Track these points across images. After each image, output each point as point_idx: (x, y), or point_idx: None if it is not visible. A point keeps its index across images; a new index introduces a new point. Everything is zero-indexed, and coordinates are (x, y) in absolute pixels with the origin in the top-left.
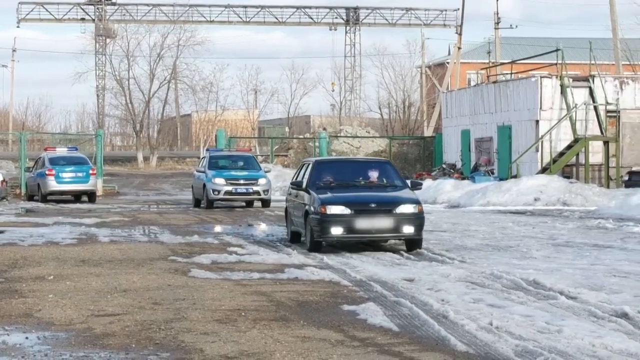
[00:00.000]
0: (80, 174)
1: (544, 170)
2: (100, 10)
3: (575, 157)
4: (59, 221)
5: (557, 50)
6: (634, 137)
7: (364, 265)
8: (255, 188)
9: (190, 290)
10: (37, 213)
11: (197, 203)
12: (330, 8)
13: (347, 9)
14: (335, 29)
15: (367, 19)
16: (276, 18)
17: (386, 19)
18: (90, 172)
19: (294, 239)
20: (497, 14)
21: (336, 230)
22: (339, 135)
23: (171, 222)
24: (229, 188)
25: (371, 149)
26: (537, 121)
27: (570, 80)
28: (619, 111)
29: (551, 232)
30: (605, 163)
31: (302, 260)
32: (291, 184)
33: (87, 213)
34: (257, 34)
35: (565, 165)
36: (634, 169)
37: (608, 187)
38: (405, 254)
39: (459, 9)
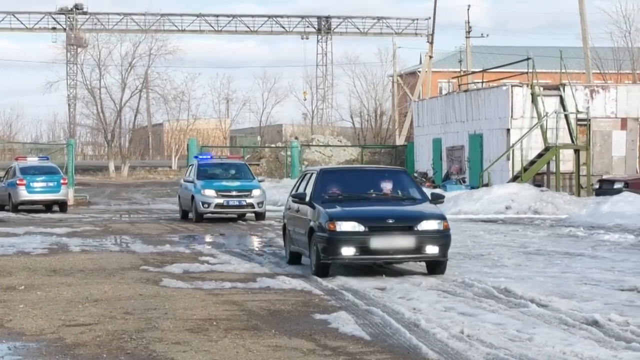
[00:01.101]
0: (51, 184)
1: (515, 178)
2: (72, 19)
3: (546, 165)
4: (30, 231)
5: (528, 59)
6: (604, 145)
7: (336, 274)
8: (248, 200)
9: (161, 300)
10: (8, 223)
11: (184, 215)
12: (302, 17)
13: (318, 18)
14: (307, 38)
15: (339, 28)
16: (248, 27)
17: (358, 28)
18: (62, 181)
19: (294, 260)
20: (469, 22)
21: (347, 251)
22: (311, 144)
23: (143, 232)
24: (220, 200)
25: (343, 158)
26: (508, 130)
27: (541, 88)
28: (589, 119)
29: (522, 240)
30: (576, 171)
31: (273, 270)
32: (292, 196)
33: (58, 223)
34: (229, 43)
35: (536, 173)
36: (604, 177)
37: (579, 195)
38: (383, 265)
39: (430, 18)
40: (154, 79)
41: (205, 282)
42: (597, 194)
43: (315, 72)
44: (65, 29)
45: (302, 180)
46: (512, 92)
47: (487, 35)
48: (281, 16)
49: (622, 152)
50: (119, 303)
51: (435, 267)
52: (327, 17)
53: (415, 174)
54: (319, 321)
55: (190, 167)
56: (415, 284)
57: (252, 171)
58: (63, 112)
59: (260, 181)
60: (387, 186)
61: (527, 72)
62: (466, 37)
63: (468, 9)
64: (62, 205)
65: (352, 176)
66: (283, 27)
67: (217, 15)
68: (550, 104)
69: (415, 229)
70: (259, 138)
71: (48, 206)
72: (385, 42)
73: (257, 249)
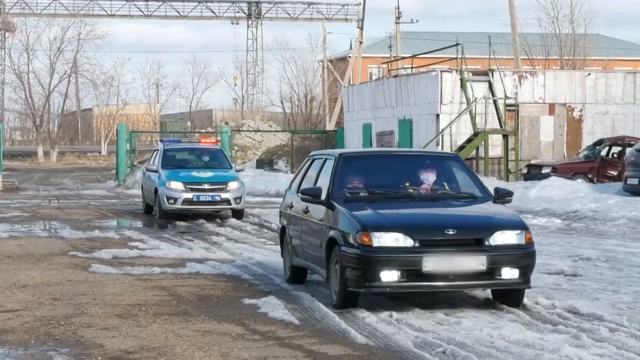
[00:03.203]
0: None
1: None
2: (0, 3)
3: (475, 150)
4: None
5: (457, 44)
6: (532, 130)
7: (266, 259)
8: (224, 195)
9: (90, 286)
10: None
11: (148, 209)
12: (232, 2)
13: (249, 3)
14: (237, 23)
15: (269, 13)
16: (178, 12)
17: (288, 13)
18: None
19: (297, 277)
20: (398, 8)
21: (389, 275)
22: (241, 129)
23: (72, 217)
24: (189, 195)
25: (273, 143)
26: (438, 115)
27: (470, 74)
28: (517, 105)
29: None
30: (505, 156)
31: (203, 255)
32: (301, 192)
33: None
34: (159, 27)
35: (466, 158)
36: (532, 162)
37: (507, 179)
38: None
39: (360, 4)
40: (83, 63)
41: (134, 267)
42: (525, 179)
43: (245, 57)
44: None
45: (307, 169)
46: (441, 77)
47: (417, 21)
48: (211, 1)
49: (550, 137)
50: (47, 289)
51: (511, 296)
52: (258, 2)
53: None
54: (248, 306)
55: (155, 152)
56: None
57: (229, 159)
58: None
59: (239, 170)
60: (429, 177)
61: (456, 58)
62: (396, 23)
63: None
64: None
65: (384, 164)
66: (213, 12)
67: (147, 0)
68: (479, 89)
69: (487, 243)
70: (189, 123)
71: None
72: (316, 28)
73: (187, 234)
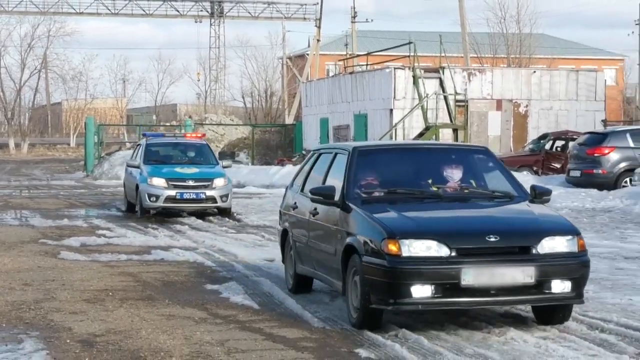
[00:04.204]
0: None
1: None
2: None
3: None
4: None
5: (409, 43)
6: (480, 125)
7: (228, 247)
8: (209, 192)
9: (59, 272)
10: None
11: (130, 207)
12: (196, 1)
13: (211, 2)
14: (201, 22)
15: (231, 12)
16: (143, 10)
17: (249, 12)
18: None
19: (302, 287)
20: (354, 8)
21: (421, 290)
22: (204, 123)
23: (42, 207)
24: (172, 193)
25: (235, 136)
26: (391, 110)
27: (422, 71)
28: (467, 101)
29: None
30: None
31: (168, 242)
32: (311, 192)
33: None
34: (126, 25)
35: None
36: None
37: None
38: (267, 235)
39: (318, 4)
40: (53, 59)
41: (101, 254)
42: None
43: (208, 54)
44: None
45: (313, 165)
46: (394, 74)
47: (372, 20)
48: (176, 0)
49: (498, 131)
50: (18, 275)
51: (557, 312)
52: (220, 2)
53: (304, 152)
54: (210, 291)
55: (137, 147)
56: None
57: (215, 154)
58: None
59: (226, 167)
60: (454, 174)
61: (408, 56)
62: (352, 22)
63: None
64: None
65: (404, 159)
66: (177, 11)
67: None
68: (430, 85)
69: (535, 251)
70: (154, 117)
71: None
72: (275, 26)
73: (152, 223)
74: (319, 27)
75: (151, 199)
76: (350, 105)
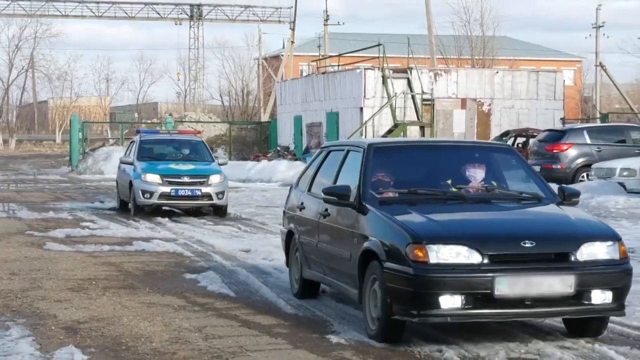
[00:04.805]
0: None
1: None
2: None
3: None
4: None
5: (379, 45)
6: (446, 122)
7: (206, 238)
8: (205, 189)
9: (45, 262)
10: None
11: (122, 205)
12: (176, 5)
13: (191, 5)
14: (181, 24)
15: (210, 15)
16: (126, 13)
17: (227, 15)
18: None
19: (308, 291)
20: (326, 11)
21: (450, 301)
22: (184, 120)
23: (29, 200)
24: (166, 189)
25: (213, 133)
26: (362, 108)
27: (391, 72)
28: (433, 100)
29: None
30: None
31: (149, 234)
32: (325, 192)
33: None
34: (109, 27)
35: None
36: None
37: None
38: (243, 227)
39: (292, 7)
40: (39, 59)
41: (85, 245)
42: None
43: (187, 54)
44: None
45: (321, 163)
46: (364, 74)
47: (343, 23)
48: (157, 3)
49: (462, 128)
50: (5, 265)
51: (593, 324)
52: (199, 5)
53: (278, 148)
54: (189, 280)
55: (131, 144)
56: (277, 246)
57: (210, 151)
58: None
59: (221, 164)
60: (476, 174)
61: (378, 57)
62: (324, 25)
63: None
64: None
65: (423, 156)
66: (158, 14)
67: (98, 2)
68: (398, 85)
69: (573, 258)
70: (136, 115)
71: None
72: (252, 28)
73: (134, 215)
74: (293, 30)
75: (145, 196)
76: (323, 103)
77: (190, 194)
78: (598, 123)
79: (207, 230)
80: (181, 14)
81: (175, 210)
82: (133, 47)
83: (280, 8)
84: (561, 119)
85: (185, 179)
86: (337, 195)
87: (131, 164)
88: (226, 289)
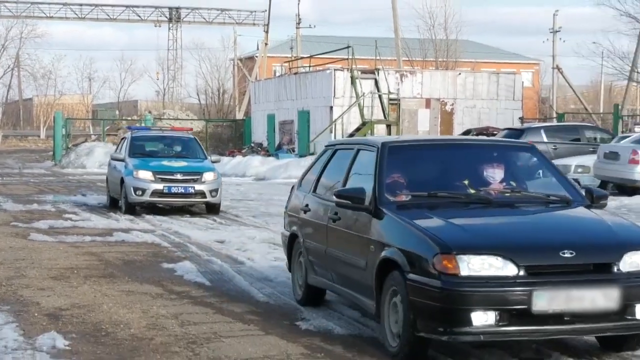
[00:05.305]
0: None
1: None
2: None
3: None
4: None
5: (348, 47)
6: (411, 121)
7: (183, 229)
8: (198, 187)
9: (29, 252)
10: None
11: (113, 202)
12: (156, 7)
13: (170, 8)
14: (160, 26)
15: (187, 17)
16: (108, 15)
17: (204, 18)
18: None
19: (313, 298)
20: (299, 15)
21: (483, 317)
22: (162, 117)
23: (14, 192)
24: (159, 186)
25: None
26: (331, 107)
27: (359, 72)
28: (399, 99)
29: None
30: None
31: (128, 225)
32: (336, 195)
33: None
34: (91, 28)
35: None
36: None
37: None
38: (218, 219)
39: (266, 11)
40: (25, 59)
41: (68, 236)
42: None
43: (166, 55)
44: None
45: (327, 162)
46: (334, 75)
47: (314, 26)
48: (137, 6)
49: (427, 127)
50: None
51: (631, 337)
52: (177, 8)
53: (252, 144)
54: (166, 270)
55: (122, 141)
56: (250, 237)
57: (203, 148)
58: None
59: (215, 162)
60: (495, 174)
61: (347, 59)
62: (296, 28)
63: (298, 3)
64: None
65: (441, 156)
66: (139, 16)
67: (81, 4)
68: (366, 85)
69: (616, 269)
70: (117, 112)
71: None
72: (228, 31)
73: (114, 207)
74: (267, 32)
75: (137, 193)
76: (295, 102)
77: (183, 191)
78: (554, 122)
79: (183, 222)
80: (160, 16)
81: (166, 208)
82: (114, 48)
83: (255, 11)
84: (520, 118)
85: (178, 176)
86: (351, 198)
87: (122, 160)
88: (201, 278)
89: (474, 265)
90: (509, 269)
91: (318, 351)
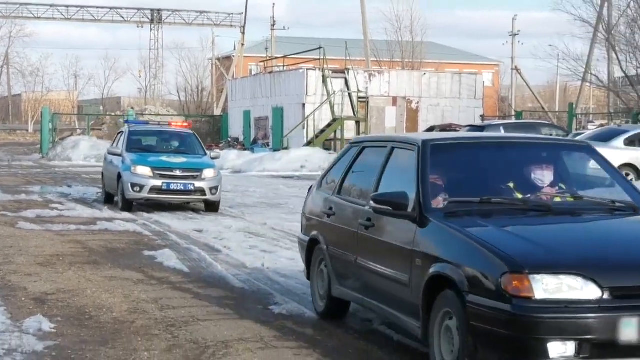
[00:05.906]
0: None
1: (309, 143)
2: None
3: (333, 133)
4: None
5: (319, 48)
6: (379, 118)
7: (163, 219)
8: (198, 184)
9: (16, 239)
10: None
11: (109, 198)
12: (138, 9)
13: (152, 10)
14: (142, 27)
15: (169, 19)
16: (93, 16)
17: (184, 19)
18: None
19: (335, 311)
20: (273, 17)
21: (561, 349)
22: (144, 113)
23: (2, 183)
24: (157, 183)
25: None
26: (304, 104)
27: (330, 72)
28: (367, 97)
29: None
30: None
31: (112, 215)
32: (374, 200)
33: None
34: (77, 29)
35: (325, 139)
36: None
37: None
38: (197, 210)
39: (243, 13)
40: (14, 57)
41: (54, 225)
42: None
43: (148, 54)
44: None
45: (353, 162)
46: (307, 74)
47: (288, 28)
48: (121, 8)
49: (393, 123)
50: None
51: None
52: (159, 10)
53: (229, 139)
54: (147, 257)
55: (119, 135)
56: (227, 227)
57: (203, 144)
58: None
59: (214, 158)
60: (544, 176)
61: (319, 59)
62: (271, 29)
63: (273, 7)
64: None
65: (488, 156)
66: (122, 17)
67: (67, 6)
68: (337, 84)
69: None
70: (101, 108)
71: None
72: (206, 32)
73: (98, 198)
74: (244, 33)
75: (134, 189)
76: (269, 100)
77: (182, 188)
78: (513, 120)
79: (164, 212)
80: (143, 17)
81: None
82: (99, 47)
83: (232, 14)
84: (481, 116)
85: (178, 173)
86: (391, 204)
87: (119, 155)
88: (181, 264)
89: (549, 287)
90: (591, 292)
91: (290, 334)
